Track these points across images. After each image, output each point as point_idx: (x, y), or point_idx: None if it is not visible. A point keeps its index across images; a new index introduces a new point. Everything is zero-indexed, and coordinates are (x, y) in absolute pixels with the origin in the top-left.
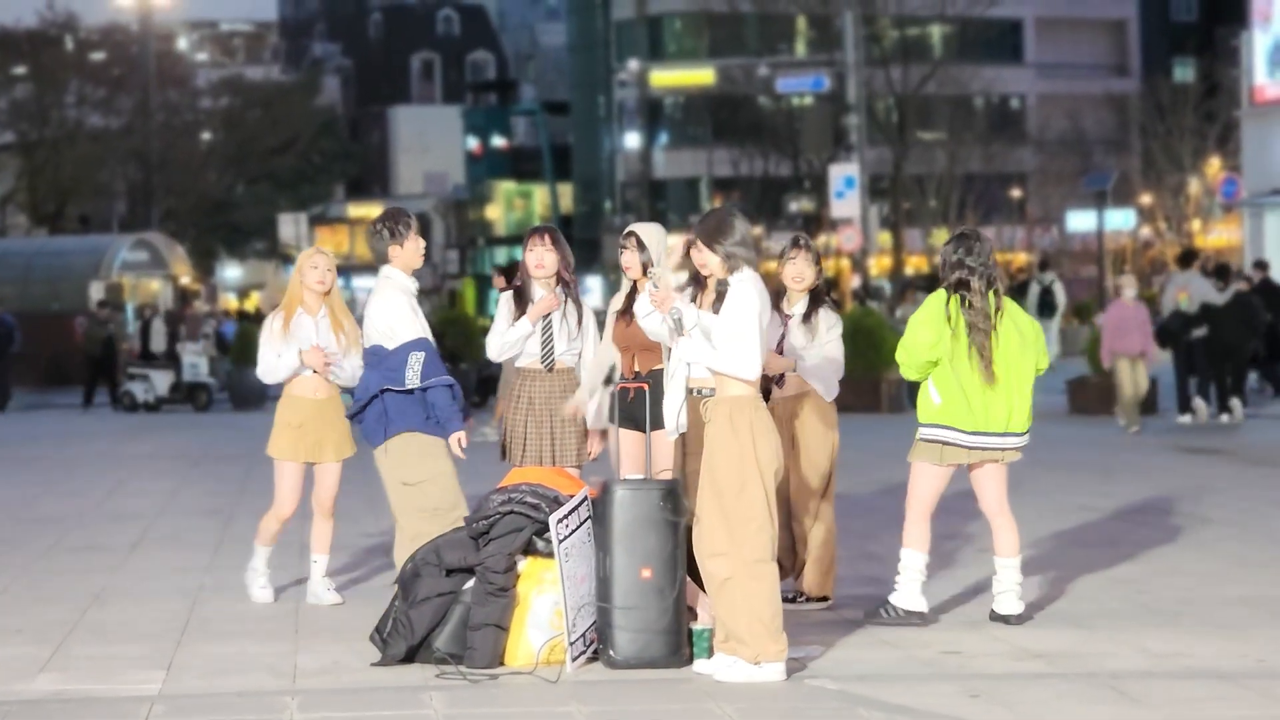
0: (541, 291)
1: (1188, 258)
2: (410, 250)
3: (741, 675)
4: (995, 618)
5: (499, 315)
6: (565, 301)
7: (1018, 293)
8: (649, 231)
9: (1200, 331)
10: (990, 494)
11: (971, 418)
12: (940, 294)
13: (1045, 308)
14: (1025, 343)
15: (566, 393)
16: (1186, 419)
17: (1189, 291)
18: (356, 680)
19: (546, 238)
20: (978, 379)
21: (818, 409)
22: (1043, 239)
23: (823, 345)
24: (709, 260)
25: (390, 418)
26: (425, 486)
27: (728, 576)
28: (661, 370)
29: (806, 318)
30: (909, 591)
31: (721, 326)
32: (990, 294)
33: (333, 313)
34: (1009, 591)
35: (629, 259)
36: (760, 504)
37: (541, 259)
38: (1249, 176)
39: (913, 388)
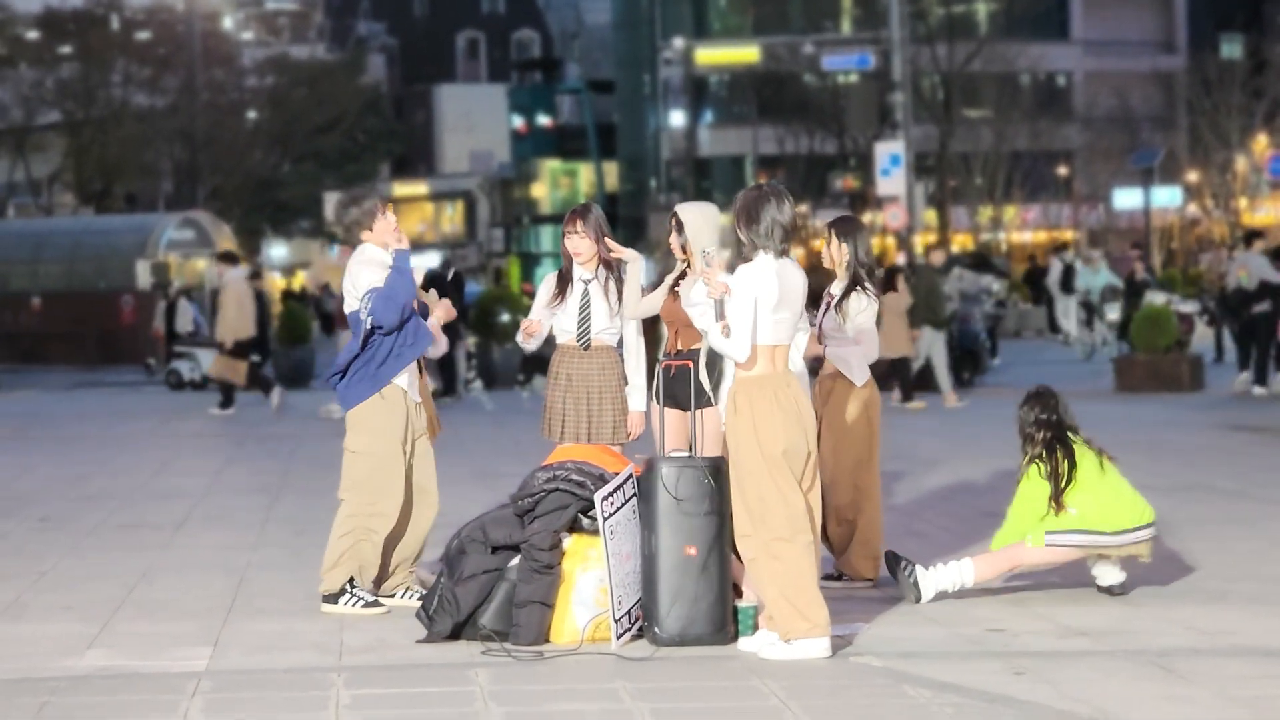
0: (582, 272)
1: (1251, 237)
2: (380, 229)
3: (780, 653)
4: (1103, 590)
5: (537, 296)
6: (606, 280)
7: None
8: (691, 211)
9: (1262, 307)
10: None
11: (1116, 519)
12: (1034, 470)
13: (1067, 285)
14: (1098, 459)
15: (604, 371)
16: (1260, 390)
17: (1248, 269)
18: (402, 657)
19: (579, 223)
20: (1109, 483)
21: (848, 391)
22: (1089, 217)
23: (852, 329)
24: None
25: (361, 376)
26: (356, 458)
27: (752, 557)
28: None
29: (840, 301)
30: (934, 581)
31: (728, 310)
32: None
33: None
34: (1105, 565)
35: (674, 241)
36: (768, 483)
37: (577, 248)
38: None
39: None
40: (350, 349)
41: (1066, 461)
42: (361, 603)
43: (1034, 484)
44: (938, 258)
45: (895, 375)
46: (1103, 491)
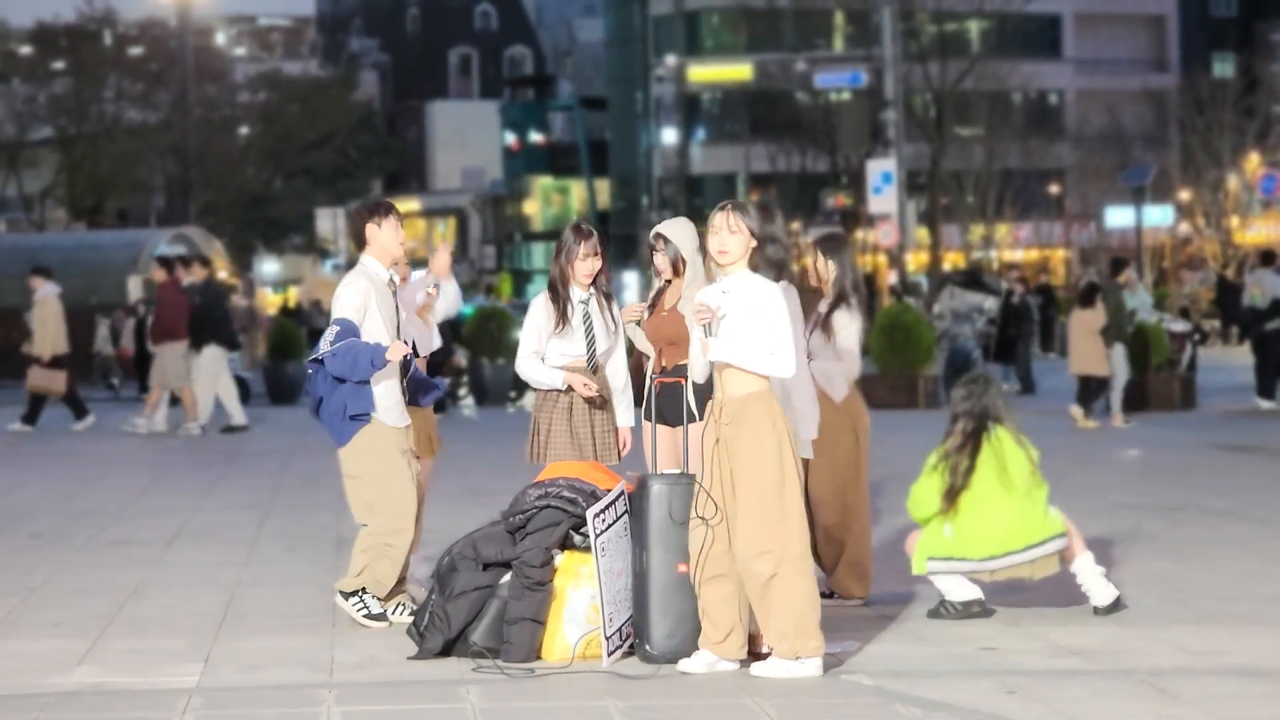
0: (579, 293)
1: (1268, 257)
2: (388, 231)
3: (779, 671)
4: (1099, 612)
5: (531, 323)
6: (600, 298)
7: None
8: (674, 228)
9: (1274, 324)
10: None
11: (988, 544)
12: (934, 459)
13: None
14: (1005, 461)
15: (602, 390)
16: (1266, 404)
17: (1261, 287)
18: (393, 674)
19: (595, 242)
20: (999, 501)
21: (832, 409)
22: (1080, 235)
23: (835, 347)
24: (733, 246)
25: (348, 411)
26: (360, 482)
27: (773, 573)
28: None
29: (826, 319)
30: (957, 584)
31: (761, 327)
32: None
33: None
34: (1095, 584)
35: (660, 260)
36: (798, 499)
37: (592, 269)
38: None
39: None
40: (321, 379)
41: (966, 464)
42: (366, 612)
43: (933, 473)
44: (1125, 276)
45: (1088, 394)
46: (986, 511)
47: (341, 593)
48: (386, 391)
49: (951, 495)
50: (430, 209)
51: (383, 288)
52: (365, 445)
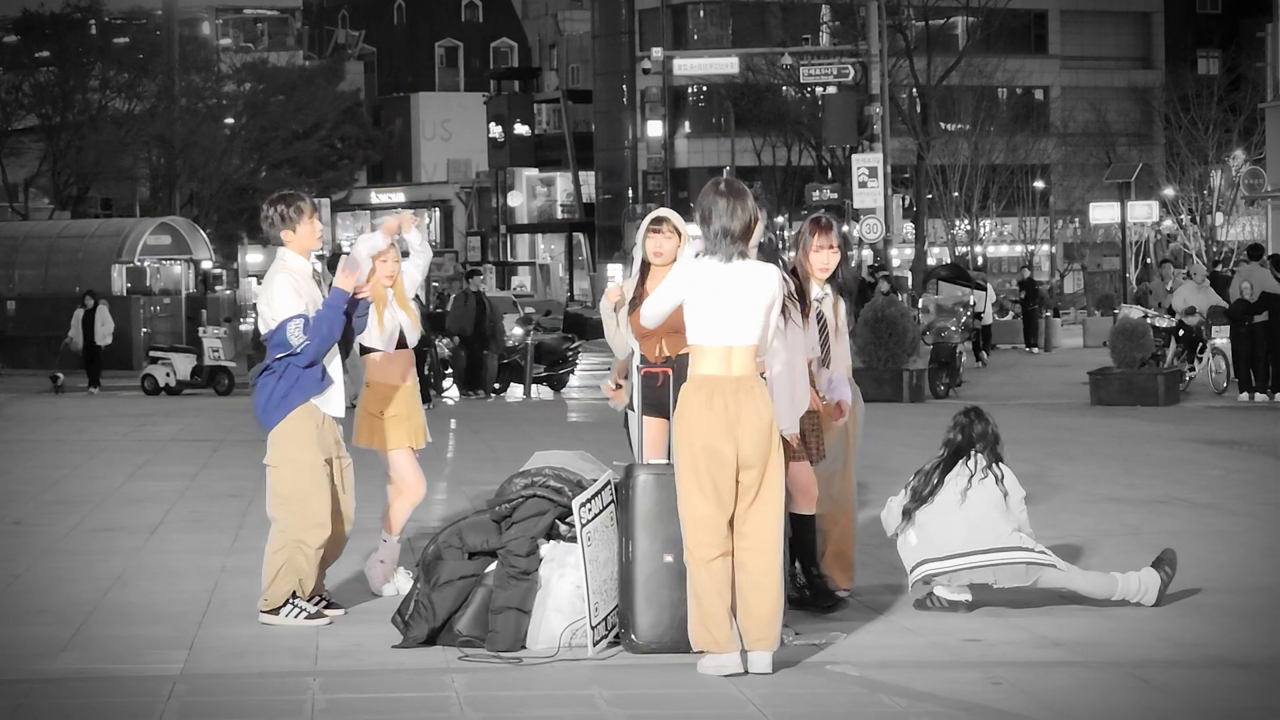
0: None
1: (1255, 250)
2: (304, 234)
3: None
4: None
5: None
6: None
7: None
8: (676, 216)
9: (1261, 317)
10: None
11: (946, 544)
12: (913, 478)
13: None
14: (971, 486)
15: None
16: (1244, 397)
17: (1251, 280)
18: (378, 662)
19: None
20: (951, 513)
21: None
22: (1065, 231)
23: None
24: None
25: (276, 400)
26: (280, 472)
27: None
28: (688, 355)
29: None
30: (945, 590)
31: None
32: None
33: (400, 300)
34: (1131, 587)
35: (665, 244)
36: (694, 495)
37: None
38: (1273, 169)
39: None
40: (262, 368)
41: (935, 481)
42: (304, 614)
43: (907, 490)
44: None
45: None
46: (946, 519)
47: (266, 613)
48: (334, 370)
49: (914, 505)
50: (415, 200)
51: (306, 279)
52: (291, 433)
